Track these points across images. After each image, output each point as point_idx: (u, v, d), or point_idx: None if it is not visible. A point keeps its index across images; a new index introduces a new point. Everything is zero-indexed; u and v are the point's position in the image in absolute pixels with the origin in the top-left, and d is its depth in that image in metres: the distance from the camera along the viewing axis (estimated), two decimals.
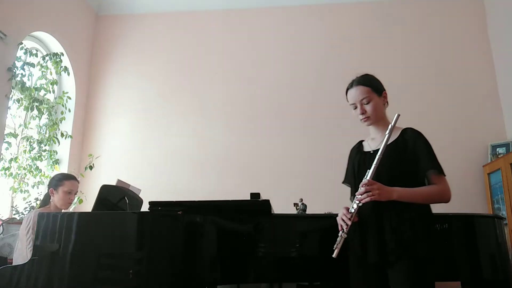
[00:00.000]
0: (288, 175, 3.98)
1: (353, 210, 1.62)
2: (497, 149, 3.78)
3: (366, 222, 1.66)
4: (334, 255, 1.62)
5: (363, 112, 1.75)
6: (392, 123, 1.65)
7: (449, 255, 2.21)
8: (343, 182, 1.92)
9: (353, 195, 1.79)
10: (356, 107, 1.78)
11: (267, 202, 2.12)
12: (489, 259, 2.27)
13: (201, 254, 2.09)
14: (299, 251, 2.12)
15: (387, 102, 1.82)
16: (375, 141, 1.80)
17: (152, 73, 4.56)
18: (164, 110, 4.42)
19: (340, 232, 1.63)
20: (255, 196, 2.15)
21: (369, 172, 1.62)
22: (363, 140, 1.90)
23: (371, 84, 1.78)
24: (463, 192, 3.77)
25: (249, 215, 2.13)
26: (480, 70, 4.15)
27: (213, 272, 2.08)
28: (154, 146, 4.32)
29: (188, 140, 4.30)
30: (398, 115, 1.65)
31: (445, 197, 1.66)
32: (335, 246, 1.63)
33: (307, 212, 2.72)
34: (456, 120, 4.03)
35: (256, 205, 2.13)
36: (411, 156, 1.67)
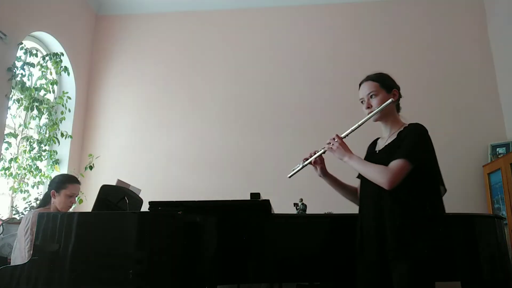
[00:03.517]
0: (288, 175, 3.97)
1: (317, 154, 1.80)
2: (497, 149, 3.78)
3: (368, 220, 1.68)
4: (288, 176, 1.85)
5: (368, 106, 1.77)
6: (383, 106, 1.70)
7: (449, 255, 2.21)
8: (357, 177, 1.90)
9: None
10: (363, 102, 1.81)
11: (267, 202, 2.12)
12: (489, 259, 2.27)
13: (201, 254, 2.08)
14: (299, 251, 2.12)
15: (398, 100, 1.82)
16: (383, 140, 1.82)
17: (152, 73, 4.56)
18: (164, 110, 4.42)
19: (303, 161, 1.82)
20: (255, 196, 2.15)
21: (346, 132, 1.75)
22: (379, 138, 1.91)
23: (379, 80, 1.80)
24: (463, 192, 3.78)
25: (249, 215, 2.13)
26: (480, 70, 4.15)
27: (213, 272, 2.08)
28: (154, 146, 4.32)
29: (188, 140, 4.30)
30: (392, 100, 1.71)
31: (384, 178, 1.60)
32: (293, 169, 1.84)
33: (307, 212, 2.72)
34: (456, 120, 4.03)
35: (256, 205, 2.12)
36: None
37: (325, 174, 1.89)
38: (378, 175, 1.63)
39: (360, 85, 1.84)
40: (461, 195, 3.75)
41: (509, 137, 3.85)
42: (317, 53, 4.40)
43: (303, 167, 1.82)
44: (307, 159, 1.84)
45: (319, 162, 1.86)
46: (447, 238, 2.19)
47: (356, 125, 1.74)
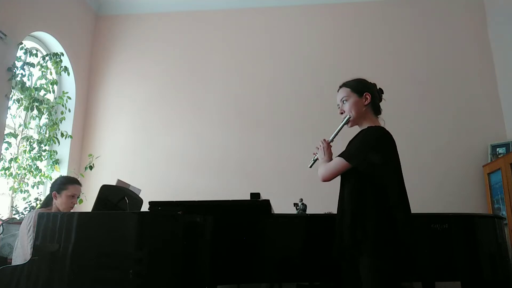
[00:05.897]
0: (288, 175, 3.98)
1: (315, 156, 1.93)
2: (497, 149, 3.78)
3: (336, 221, 1.78)
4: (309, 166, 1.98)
5: (341, 111, 1.87)
6: (341, 124, 1.84)
7: (449, 255, 2.21)
8: None
9: None
10: (339, 107, 1.90)
11: (267, 202, 2.12)
12: (489, 259, 2.27)
13: (201, 254, 2.09)
14: (299, 251, 2.12)
15: (373, 103, 1.85)
16: None
17: (152, 73, 4.56)
18: (164, 110, 4.42)
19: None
20: (255, 196, 2.15)
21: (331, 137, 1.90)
22: None
23: (351, 85, 1.87)
24: (463, 192, 3.78)
25: (249, 215, 2.13)
26: (480, 70, 4.15)
27: (213, 272, 2.08)
28: (154, 146, 4.32)
29: (188, 140, 4.30)
30: (349, 117, 1.82)
31: (319, 172, 1.80)
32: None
33: (307, 212, 2.72)
34: (456, 120, 4.03)
35: (256, 205, 2.13)
36: None
37: None
38: (319, 170, 1.80)
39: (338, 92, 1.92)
40: (461, 195, 3.76)
41: (509, 137, 3.85)
42: (317, 53, 4.40)
43: (315, 161, 1.97)
44: (315, 154, 1.98)
45: None
46: (446, 237, 2.21)
47: (335, 131, 1.88)
